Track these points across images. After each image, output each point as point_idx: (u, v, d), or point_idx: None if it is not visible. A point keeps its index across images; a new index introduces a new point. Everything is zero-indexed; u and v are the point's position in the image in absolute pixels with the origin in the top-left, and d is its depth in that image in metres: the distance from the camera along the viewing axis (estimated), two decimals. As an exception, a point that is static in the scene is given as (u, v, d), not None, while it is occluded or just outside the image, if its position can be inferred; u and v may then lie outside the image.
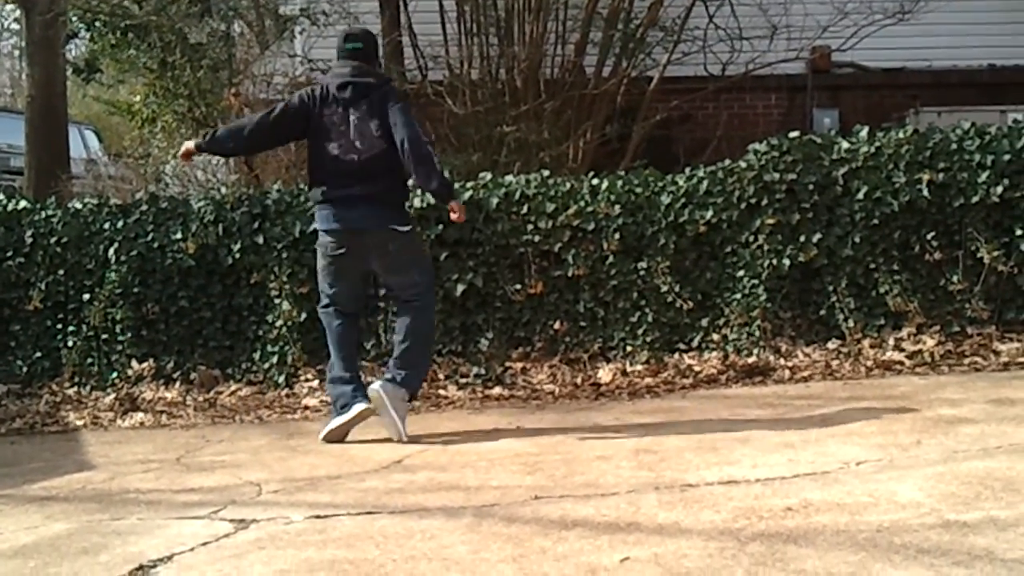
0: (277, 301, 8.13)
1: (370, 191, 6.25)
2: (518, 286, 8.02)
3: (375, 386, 6.32)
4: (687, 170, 8.16)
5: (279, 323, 8.08)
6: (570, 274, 8.00)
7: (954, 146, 7.76)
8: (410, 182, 6.49)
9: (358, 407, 6.33)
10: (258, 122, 6.56)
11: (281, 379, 7.96)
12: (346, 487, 5.35)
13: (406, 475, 5.49)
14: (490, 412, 7.11)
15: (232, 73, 10.76)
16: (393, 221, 6.33)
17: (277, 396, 7.82)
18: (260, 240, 8.19)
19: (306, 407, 7.57)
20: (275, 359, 8.07)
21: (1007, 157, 7.64)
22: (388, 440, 6.34)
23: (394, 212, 6.37)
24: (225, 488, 5.47)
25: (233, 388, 7.99)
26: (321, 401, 7.58)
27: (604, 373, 7.64)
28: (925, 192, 7.64)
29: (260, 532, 4.62)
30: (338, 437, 6.39)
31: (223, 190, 9.06)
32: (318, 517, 4.77)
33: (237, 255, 8.23)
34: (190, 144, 6.71)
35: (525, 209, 8.07)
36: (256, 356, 8.14)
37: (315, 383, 7.85)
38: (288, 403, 7.69)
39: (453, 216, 6.44)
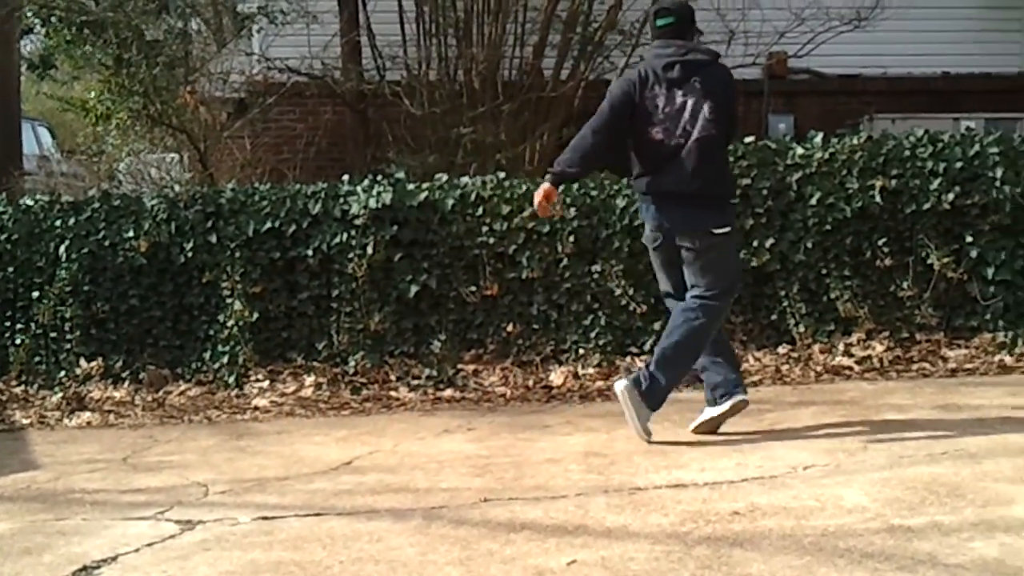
0: (229, 301, 8.09)
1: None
2: (472, 288, 8.01)
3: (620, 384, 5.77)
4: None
5: (230, 323, 8.04)
6: (524, 276, 8.00)
7: (907, 153, 7.82)
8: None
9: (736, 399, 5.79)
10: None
11: (231, 379, 7.91)
12: (294, 488, 5.32)
13: (355, 477, 5.47)
14: (441, 414, 7.10)
15: (188, 71, 10.71)
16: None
17: (227, 396, 7.77)
18: (213, 239, 8.16)
19: (256, 408, 7.53)
20: (226, 359, 8.03)
21: (959, 165, 7.70)
22: (340, 440, 6.32)
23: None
24: (172, 489, 5.44)
25: (182, 388, 7.94)
26: (271, 402, 7.55)
27: (556, 376, 7.64)
28: (878, 198, 7.69)
29: (206, 533, 4.59)
30: (710, 429, 5.88)
31: (176, 188, 9.01)
32: (265, 518, 4.75)
33: (189, 254, 8.19)
34: (545, 187, 5.83)
35: (480, 211, 8.07)
36: (206, 356, 8.10)
37: (265, 384, 7.82)
38: (238, 404, 7.64)
39: None
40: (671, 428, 6.08)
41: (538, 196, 5.84)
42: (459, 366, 7.86)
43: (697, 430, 5.84)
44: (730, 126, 5.77)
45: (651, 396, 5.68)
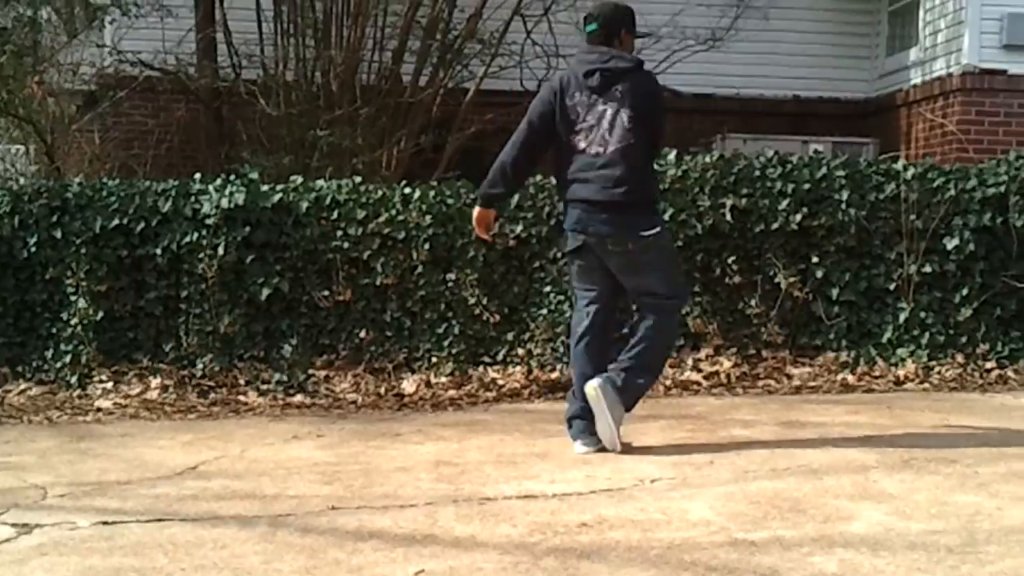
0: (73, 298, 7.89)
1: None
2: (325, 293, 7.94)
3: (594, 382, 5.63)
4: (499, 183, 8.17)
5: (74, 321, 7.85)
6: (378, 283, 7.96)
7: (757, 173, 7.97)
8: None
9: None
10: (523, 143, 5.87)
11: (74, 379, 7.72)
12: (137, 493, 5.20)
13: (200, 482, 5.37)
14: (291, 420, 7.02)
15: (36, 61, 10.42)
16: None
17: (69, 397, 7.58)
18: (58, 234, 7.94)
19: (99, 409, 7.35)
20: (68, 358, 7.83)
21: (807, 186, 7.88)
22: (185, 445, 6.20)
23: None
24: (8, 491, 5.27)
25: (22, 387, 7.72)
26: (115, 404, 7.38)
27: (408, 384, 7.62)
28: (728, 217, 7.82)
29: (43, 538, 4.45)
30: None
31: (21, 181, 8.75)
32: (105, 523, 4.63)
33: (33, 249, 7.97)
34: (476, 212, 6.00)
35: (335, 215, 8.00)
36: (48, 355, 7.90)
37: (109, 385, 7.64)
38: (80, 405, 7.45)
39: None
40: (521, 439, 6.11)
41: (474, 220, 5.96)
42: (310, 371, 7.79)
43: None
44: (653, 134, 5.73)
45: (628, 393, 5.63)
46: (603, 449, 5.65)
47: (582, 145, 5.67)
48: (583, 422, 5.73)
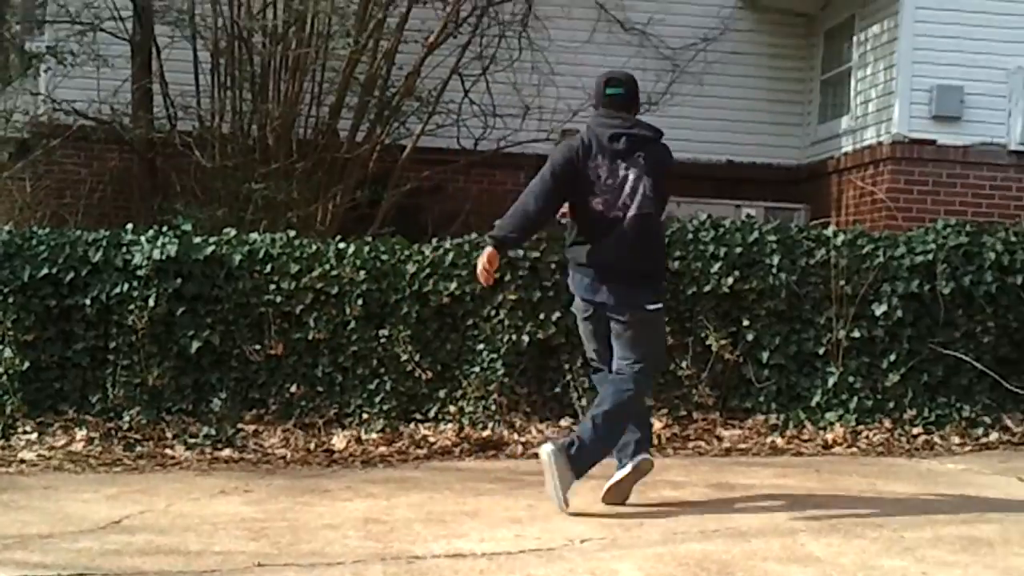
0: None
1: None
2: (257, 346, 7.89)
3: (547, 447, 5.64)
4: (434, 241, 8.20)
5: (-1, 371, 7.72)
6: (310, 337, 7.92)
7: (690, 236, 8.05)
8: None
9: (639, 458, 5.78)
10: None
11: (-3, 430, 7.58)
12: (59, 547, 5.10)
13: (124, 536, 5.28)
14: (218, 474, 6.92)
15: (-32, 108, 10.32)
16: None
17: (-9, 448, 7.43)
18: (-15, 283, 7.82)
19: (22, 461, 7.21)
20: (-8, 408, 7.69)
21: (739, 250, 7.96)
22: (110, 498, 6.10)
23: None
24: (-75, 544, 5.15)
25: (-56, 437, 7.57)
26: (39, 455, 7.25)
27: (338, 440, 7.56)
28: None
29: (-40, 592, 4.35)
30: (620, 495, 5.82)
31: (-51, 228, 8.63)
32: (25, 578, 4.54)
33: (-41, 297, 7.83)
34: (488, 251, 5.76)
35: (269, 268, 7.96)
36: (-29, 405, 7.74)
37: (33, 436, 7.51)
38: (3, 456, 7.30)
39: None
40: (452, 497, 6.07)
41: (482, 261, 5.76)
42: (239, 426, 7.70)
43: (606, 498, 5.77)
44: (666, 202, 5.79)
45: (578, 462, 5.56)
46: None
47: (600, 207, 5.66)
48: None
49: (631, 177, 5.62)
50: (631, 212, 5.60)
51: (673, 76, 12.82)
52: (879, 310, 7.90)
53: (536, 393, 7.95)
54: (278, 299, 7.92)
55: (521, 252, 7.82)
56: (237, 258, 7.97)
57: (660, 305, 5.78)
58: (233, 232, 8.24)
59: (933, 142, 11.01)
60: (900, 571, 4.64)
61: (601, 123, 5.77)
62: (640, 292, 5.66)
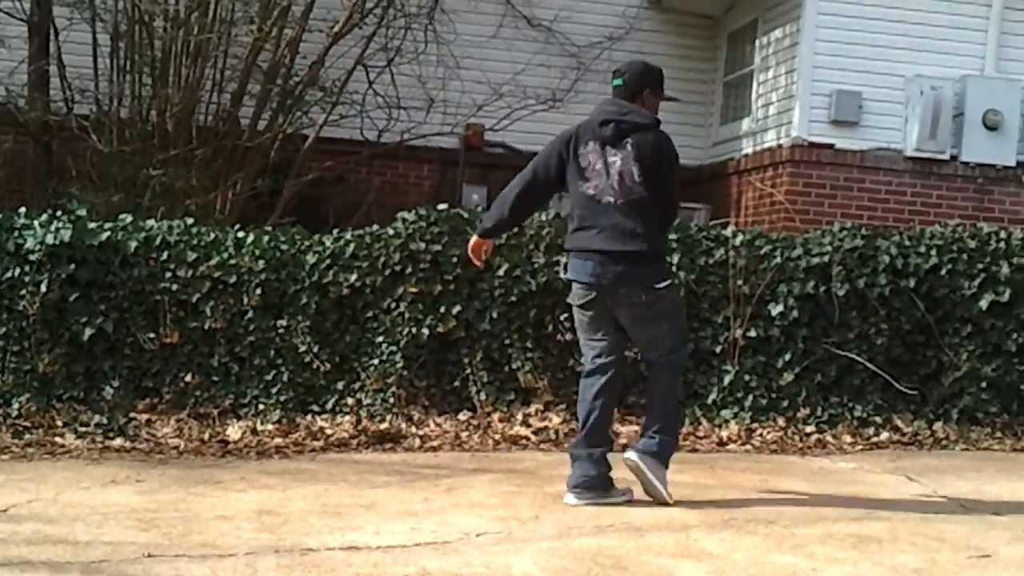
0: None
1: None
2: (151, 334, 7.76)
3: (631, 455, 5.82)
4: (335, 232, 8.14)
5: None
6: (207, 326, 7.81)
7: (592, 232, 8.06)
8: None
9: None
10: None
11: None
12: (-60, 536, 4.97)
13: (10, 526, 5.16)
14: (109, 464, 6.80)
15: None
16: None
17: None
18: None
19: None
20: None
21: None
22: (-6, 487, 5.97)
23: None
24: None
25: None
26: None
27: (233, 430, 7.46)
28: (562, 274, 7.88)
29: None
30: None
31: None
32: (-95, 568, 4.41)
33: None
34: (472, 240, 6.15)
35: (165, 256, 7.84)
36: None
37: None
38: None
39: None
40: (347, 489, 6.03)
41: (469, 248, 6.13)
42: (132, 415, 7.57)
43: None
44: (665, 190, 5.75)
45: (663, 456, 5.81)
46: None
47: (591, 192, 5.74)
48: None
49: (618, 163, 5.68)
50: (622, 198, 5.67)
51: (578, 74, 12.88)
52: (775, 310, 8.00)
53: (435, 386, 7.92)
54: (174, 287, 7.80)
55: (423, 245, 7.79)
56: (133, 244, 7.83)
57: (670, 281, 5.94)
58: (129, 218, 8.09)
59: (831, 146, 11.19)
60: (790, 567, 4.69)
61: (598, 110, 5.89)
62: (644, 272, 5.71)
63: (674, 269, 7.95)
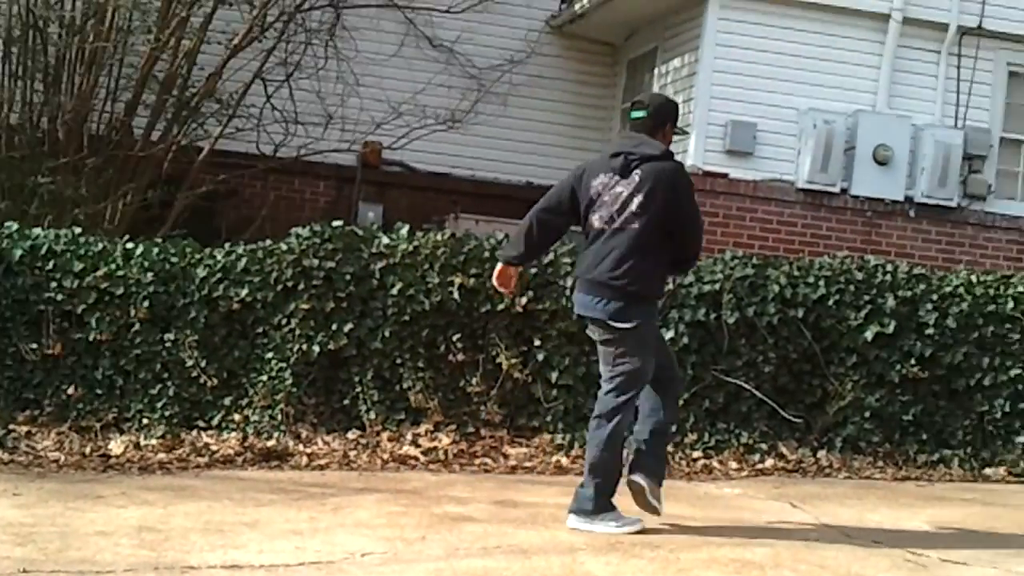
0: None
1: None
2: (34, 345, 7.60)
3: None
4: (227, 246, 8.04)
5: None
6: (92, 338, 7.67)
7: (487, 254, 8.05)
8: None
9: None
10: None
11: None
12: None
13: None
14: (-15, 477, 6.63)
15: None
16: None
17: None
18: None
19: None
20: None
21: (533, 271, 8.01)
22: None
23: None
24: None
25: None
26: None
27: (116, 445, 7.32)
28: (456, 295, 7.87)
29: None
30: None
31: None
32: None
33: None
34: (497, 267, 6.10)
35: (51, 265, 7.69)
36: None
37: None
38: None
39: None
40: (231, 506, 5.95)
41: (495, 277, 6.10)
42: (11, 427, 7.39)
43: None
44: (675, 222, 5.63)
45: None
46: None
47: (596, 223, 5.73)
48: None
49: (624, 193, 5.64)
50: (614, 225, 5.64)
51: (478, 95, 12.95)
52: (667, 336, 8.05)
53: (324, 404, 7.85)
54: (59, 297, 7.65)
55: (316, 261, 7.74)
56: (18, 253, 7.67)
57: (630, 325, 5.62)
58: (15, 226, 7.92)
59: (725, 175, 11.35)
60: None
61: (611, 143, 5.94)
62: (609, 306, 5.63)
63: (568, 293, 7.95)
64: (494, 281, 6.14)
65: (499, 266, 6.10)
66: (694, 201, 5.77)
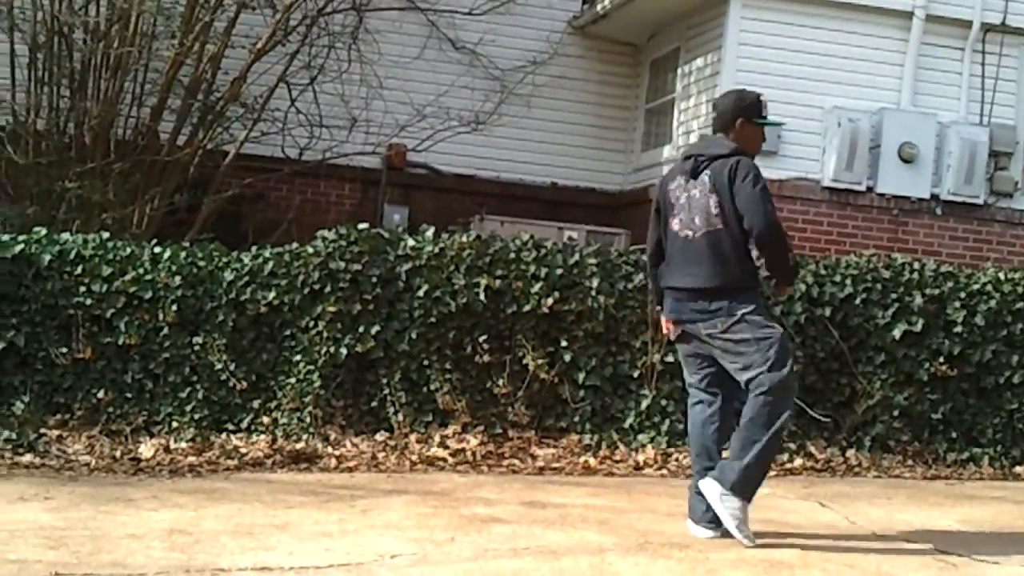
0: None
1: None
2: (64, 349, 7.64)
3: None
4: (254, 249, 8.07)
5: None
6: (121, 342, 7.71)
7: (512, 255, 8.08)
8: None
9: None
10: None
11: None
12: None
13: (-88, 543, 5.05)
14: (18, 480, 6.66)
15: None
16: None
17: None
18: None
19: None
20: None
21: (559, 272, 8.03)
22: None
23: None
24: None
25: None
26: None
27: (146, 448, 7.36)
28: (482, 296, 7.89)
29: None
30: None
31: None
32: None
33: None
34: (662, 316, 5.94)
35: (80, 270, 7.73)
36: None
37: None
38: None
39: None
40: (261, 509, 5.97)
41: (667, 331, 5.94)
42: (42, 431, 7.43)
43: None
44: (750, 219, 5.46)
45: (743, 487, 5.57)
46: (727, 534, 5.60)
47: (676, 228, 5.72)
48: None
49: (697, 195, 5.61)
50: (698, 232, 5.59)
51: (501, 97, 12.96)
52: (693, 336, 8.05)
53: (352, 406, 7.87)
54: (88, 302, 7.69)
55: (342, 264, 7.76)
56: (47, 258, 7.72)
57: (748, 309, 5.53)
58: (44, 231, 7.97)
59: (751, 175, 11.29)
60: (704, 591, 4.72)
61: (687, 146, 5.77)
62: (722, 304, 5.55)
63: (593, 293, 7.98)
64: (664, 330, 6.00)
65: (657, 310, 6.09)
66: (761, 190, 5.51)
